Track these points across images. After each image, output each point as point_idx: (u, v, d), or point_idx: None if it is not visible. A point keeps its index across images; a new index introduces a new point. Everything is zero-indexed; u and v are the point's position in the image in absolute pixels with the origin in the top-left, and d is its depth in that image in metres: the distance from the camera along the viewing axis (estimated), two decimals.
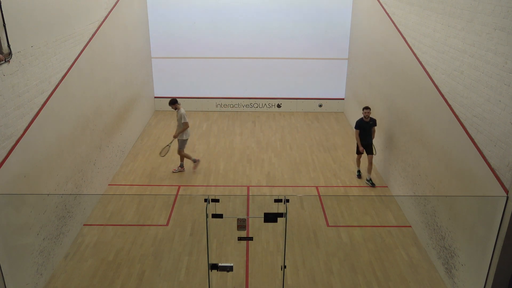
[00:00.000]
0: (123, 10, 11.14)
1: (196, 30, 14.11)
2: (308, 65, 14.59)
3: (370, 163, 10.02)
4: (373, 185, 10.02)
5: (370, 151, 10.04)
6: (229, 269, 6.04)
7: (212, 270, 6.06)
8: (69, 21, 7.98)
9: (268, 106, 14.97)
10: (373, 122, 9.99)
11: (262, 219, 5.80)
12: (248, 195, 9.70)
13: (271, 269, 7.36)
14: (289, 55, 14.42)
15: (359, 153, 10.25)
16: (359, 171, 10.53)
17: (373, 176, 10.48)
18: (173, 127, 13.42)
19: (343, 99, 14.89)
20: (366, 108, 9.92)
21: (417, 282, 7.07)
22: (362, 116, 9.98)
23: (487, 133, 6.00)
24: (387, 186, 10.04)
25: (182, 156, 10.62)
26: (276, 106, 14.97)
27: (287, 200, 5.78)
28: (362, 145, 10.01)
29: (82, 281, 7.01)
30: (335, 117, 14.56)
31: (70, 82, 7.94)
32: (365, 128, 9.96)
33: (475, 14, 6.35)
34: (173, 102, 10.33)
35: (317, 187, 10.02)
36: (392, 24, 9.88)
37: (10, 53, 5.97)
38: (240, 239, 7.62)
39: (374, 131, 10.11)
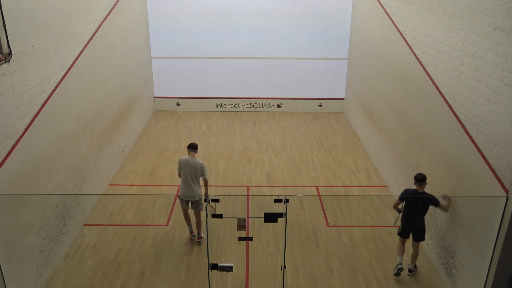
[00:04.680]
0: (123, 10, 11.14)
1: (196, 30, 14.11)
2: (308, 65, 14.58)
3: (417, 249, 7.16)
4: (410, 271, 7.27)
5: (418, 237, 7.08)
6: (229, 269, 6.04)
7: (212, 270, 6.06)
8: (69, 21, 7.98)
9: (268, 106, 14.96)
10: (428, 200, 6.86)
11: (262, 219, 5.81)
12: (248, 195, 9.69)
13: (271, 269, 7.35)
14: (289, 55, 14.41)
15: (403, 236, 7.13)
16: (400, 266, 7.07)
17: (373, 176, 10.46)
18: (172, 128, 13.43)
19: (343, 99, 14.89)
20: (419, 180, 6.86)
21: (417, 282, 7.07)
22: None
23: (487, 133, 5.99)
24: (387, 186, 10.03)
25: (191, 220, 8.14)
26: (276, 106, 14.96)
27: (287, 200, 5.77)
28: (406, 226, 7.04)
29: (82, 281, 7.01)
30: (335, 117, 14.55)
31: (70, 82, 7.94)
32: (413, 203, 6.96)
33: (475, 14, 6.34)
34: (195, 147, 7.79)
35: (317, 187, 10.02)
36: (392, 24, 9.87)
37: (10, 53, 5.97)
38: (240, 239, 7.63)
39: (445, 206, 6.84)
